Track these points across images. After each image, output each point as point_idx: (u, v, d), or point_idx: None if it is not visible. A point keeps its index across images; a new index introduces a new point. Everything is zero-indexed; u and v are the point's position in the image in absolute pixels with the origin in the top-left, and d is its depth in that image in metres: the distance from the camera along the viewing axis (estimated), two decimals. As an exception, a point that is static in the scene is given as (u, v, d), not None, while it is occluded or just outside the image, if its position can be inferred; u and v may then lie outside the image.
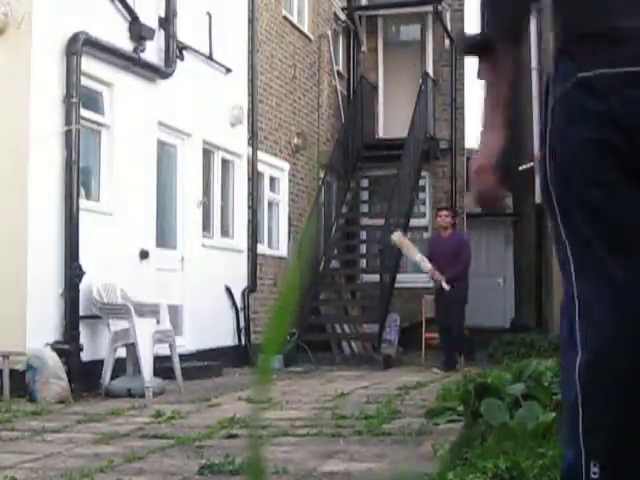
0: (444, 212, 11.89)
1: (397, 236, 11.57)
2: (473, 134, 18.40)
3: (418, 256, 11.27)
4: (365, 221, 16.66)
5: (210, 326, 10.76)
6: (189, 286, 10.52)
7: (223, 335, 11.23)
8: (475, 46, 2.20)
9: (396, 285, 13.63)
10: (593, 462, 1.97)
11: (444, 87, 17.06)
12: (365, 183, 17.04)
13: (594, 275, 2.02)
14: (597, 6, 2.03)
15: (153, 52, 9.70)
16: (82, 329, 8.24)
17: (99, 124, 8.99)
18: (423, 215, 16.93)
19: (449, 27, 16.99)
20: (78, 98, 8.26)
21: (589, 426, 1.99)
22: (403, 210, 14.22)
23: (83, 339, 8.22)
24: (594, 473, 1.97)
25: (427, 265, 11.17)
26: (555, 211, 2.08)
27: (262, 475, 0.79)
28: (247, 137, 12.06)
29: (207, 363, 10.10)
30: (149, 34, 9.48)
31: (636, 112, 1.97)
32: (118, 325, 8.34)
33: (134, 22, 9.28)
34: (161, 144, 10.12)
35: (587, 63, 2.01)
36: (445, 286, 10.93)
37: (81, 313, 8.24)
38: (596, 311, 2.01)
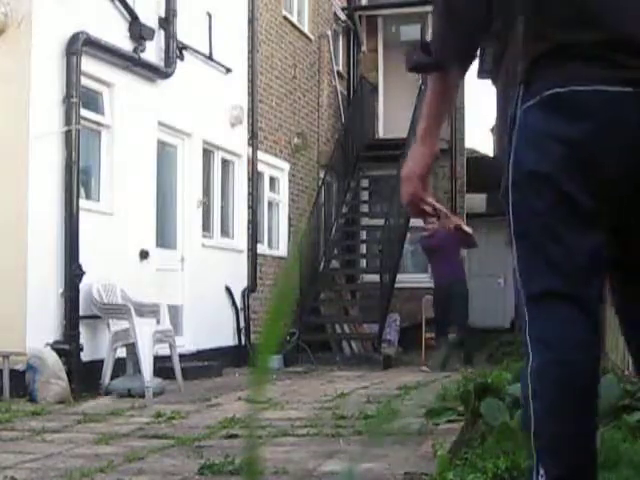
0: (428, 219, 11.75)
1: None
2: (473, 134, 18.41)
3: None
4: (365, 221, 16.66)
5: (210, 326, 10.76)
6: (189, 286, 10.51)
7: (223, 335, 11.23)
8: (424, 66, 2.25)
9: (396, 285, 13.63)
10: (542, 465, 2.00)
11: (444, 87, 17.04)
12: (365, 183, 17.04)
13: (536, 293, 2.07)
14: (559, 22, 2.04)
15: (153, 52, 9.70)
16: (82, 329, 8.24)
17: (99, 124, 8.99)
18: (423, 215, 16.91)
19: (449, 27, 16.98)
20: (78, 98, 8.26)
21: (538, 432, 2.01)
22: (403, 210, 14.20)
23: (83, 339, 8.22)
24: (541, 476, 2.00)
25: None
26: (510, 222, 2.12)
27: (260, 476, 0.79)
28: (247, 137, 12.06)
29: (207, 363, 10.10)
30: (149, 34, 9.48)
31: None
32: (118, 325, 8.33)
33: (134, 22, 9.27)
34: (161, 144, 10.11)
35: (558, 80, 2.00)
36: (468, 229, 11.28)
37: (81, 313, 8.24)
38: (542, 326, 2.04)
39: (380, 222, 13.91)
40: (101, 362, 8.20)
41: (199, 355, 10.26)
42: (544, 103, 2.00)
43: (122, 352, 8.32)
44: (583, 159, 1.98)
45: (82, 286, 8.23)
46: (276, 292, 0.77)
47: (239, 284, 11.71)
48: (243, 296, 11.78)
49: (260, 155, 12.33)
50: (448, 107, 2.24)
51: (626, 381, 5.24)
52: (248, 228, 12.03)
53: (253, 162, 12.09)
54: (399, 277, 13.97)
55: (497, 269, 20.36)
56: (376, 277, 13.26)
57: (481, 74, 25.27)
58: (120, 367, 8.27)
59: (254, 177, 12.17)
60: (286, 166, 13.72)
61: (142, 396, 7.78)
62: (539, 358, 2.01)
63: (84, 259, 8.21)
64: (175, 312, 9.91)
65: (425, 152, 2.19)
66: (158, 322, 8.60)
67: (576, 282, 2.02)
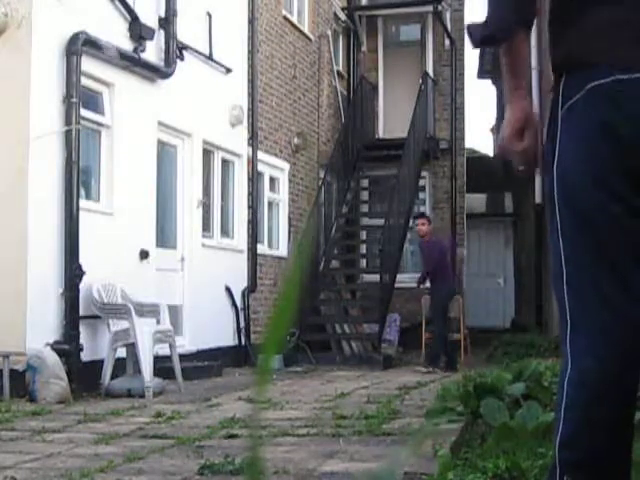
0: (420, 220, 11.88)
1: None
2: (473, 134, 18.45)
3: None
4: (365, 221, 16.66)
5: (210, 326, 10.76)
6: (189, 286, 10.51)
7: (223, 335, 11.23)
8: (489, 39, 2.23)
9: (396, 285, 13.63)
10: (566, 477, 1.97)
11: (444, 87, 17.06)
12: (365, 183, 17.04)
13: (587, 296, 2.02)
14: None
15: (153, 52, 9.70)
16: (82, 329, 8.24)
17: (99, 124, 8.99)
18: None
19: (449, 27, 16.99)
20: (78, 98, 8.26)
21: (566, 441, 1.99)
22: (403, 210, 14.22)
23: (83, 339, 8.22)
24: None
25: None
26: (557, 223, 2.07)
27: (262, 476, 0.79)
28: (247, 137, 12.06)
29: (207, 363, 10.09)
30: (149, 34, 9.48)
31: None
32: (118, 325, 8.34)
33: (134, 22, 9.28)
34: (161, 144, 10.11)
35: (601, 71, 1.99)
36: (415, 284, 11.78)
37: (81, 313, 8.24)
38: (585, 335, 2.01)
39: (380, 222, 13.91)
40: (101, 362, 8.20)
41: (199, 355, 10.25)
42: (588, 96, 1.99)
43: (122, 352, 8.31)
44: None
45: (82, 286, 8.23)
46: (280, 292, 0.77)
47: (239, 284, 11.71)
48: (243, 296, 11.78)
49: (260, 155, 12.33)
50: (523, 69, 2.19)
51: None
52: (248, 228, 12.03)
53: (253, 162, 12.10)
54: (399, 277, 13.97)
55: (497, 269, 20.38)
56: (376, 277, 13.25)
57: (481, 74, 25.28)
58: (120, 367, 8.27)
59: (254, 177, 12.17)
60: (286, 166, 13.72)
61: (142, 396, 7.78)
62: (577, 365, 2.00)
63: (84, 259, 8.21)
64: (175, 312, 9.91)
65: (509, 117, 2.17)
66: (158, 322, 8.60)
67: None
